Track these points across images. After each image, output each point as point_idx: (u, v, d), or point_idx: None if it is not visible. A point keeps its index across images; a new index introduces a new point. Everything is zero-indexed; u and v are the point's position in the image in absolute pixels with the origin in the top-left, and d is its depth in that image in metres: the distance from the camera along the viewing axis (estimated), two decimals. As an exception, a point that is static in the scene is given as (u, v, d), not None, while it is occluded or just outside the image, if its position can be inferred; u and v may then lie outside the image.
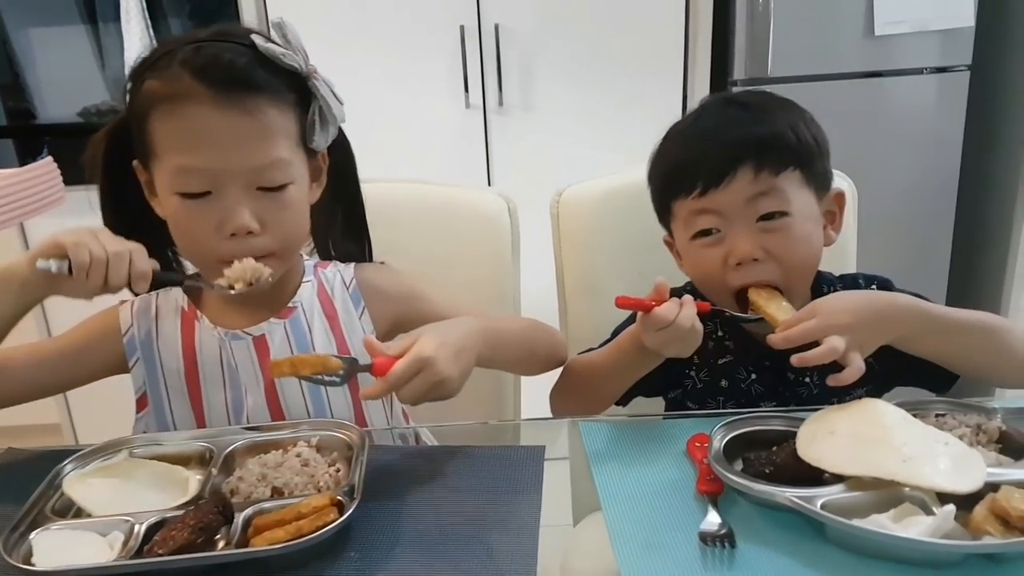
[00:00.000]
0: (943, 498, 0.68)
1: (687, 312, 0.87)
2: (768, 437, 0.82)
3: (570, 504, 1.02)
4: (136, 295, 0.97)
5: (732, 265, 0.94)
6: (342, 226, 1.04)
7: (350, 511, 0.68)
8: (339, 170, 1.00)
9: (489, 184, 2.28)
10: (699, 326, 0.89)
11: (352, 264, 1.04)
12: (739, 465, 0.80)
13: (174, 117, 0.83)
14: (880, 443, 0.72)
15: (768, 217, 0.94)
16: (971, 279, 2.37)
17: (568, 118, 2.23)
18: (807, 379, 1.01)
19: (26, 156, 2.26)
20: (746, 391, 1.03)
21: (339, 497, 0.71)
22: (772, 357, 1.00)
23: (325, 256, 1.05)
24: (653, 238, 1.11)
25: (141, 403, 0.97)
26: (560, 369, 1.07)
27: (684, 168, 0.97)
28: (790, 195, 0.93)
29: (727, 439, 0.82)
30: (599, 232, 1.32)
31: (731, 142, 0.93)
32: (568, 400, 1.05)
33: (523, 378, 1.32)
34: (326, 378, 0.78)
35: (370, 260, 1.08)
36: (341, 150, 1.01)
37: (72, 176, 1.49)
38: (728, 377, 1.03)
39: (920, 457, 0.71)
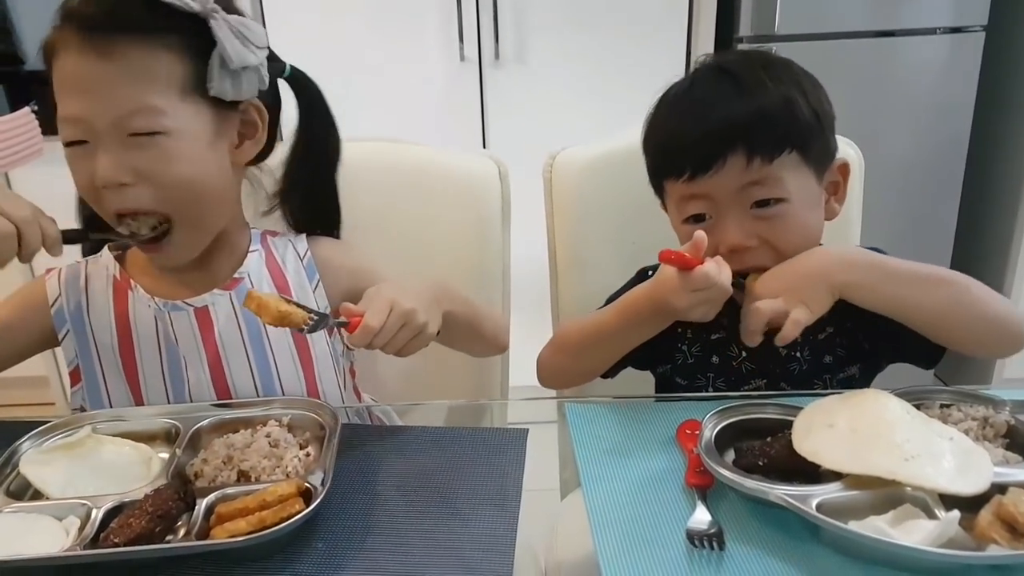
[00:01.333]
0: (947, 499, 0.64)
1: (726, 273, 0.82)
2: (763, 426, 0.78)
3: (557, 476, 0.99)
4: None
5: (724, 252, 0.89)
6: (303, 194, 0.99)
7: (316, 503, 0.64)
8: (307, 133, 0.96)
9: (484, 142, 2.21)
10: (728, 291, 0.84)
11: (303, 235, 0.99)
12: (731, 455, 0.76)
13: (56, 66, 0.81)
14: (881, 439, 0.68)
15: (763, 204, 0.89)
16: (976, 249, 2.33)
17: (567, 72, 2.16)
18: (797, 354, 0.97)
19: (16, 103, 2.19)
20: (736, 368, 0.99)
21: (307, 484, 0.67)
22: (766, 333, 0.97)
23: (296, 227, 1.00)
24: (649, 207, 1.05)
25: (75, 377, 0.92)
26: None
27: (673, 148, 0.92)
28: (787, 181, 0.88)
29: (719, 427, 0.78)
30: (593, 199, 1.26)
31: (720, 123, 0.87)
32: (557, 367, 1.01)
33: (511, 353, 1.28)
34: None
35: (335, 235, 1.03)
36: (310, 113, 0.95)
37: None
38: (719, 354, 1.00)
39: (923, 455, 0.67)
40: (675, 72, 0.99)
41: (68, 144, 0.81)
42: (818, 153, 0.91)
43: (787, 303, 0.84)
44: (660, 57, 2.14)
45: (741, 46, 2.05)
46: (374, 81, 2.12)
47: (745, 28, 2.05)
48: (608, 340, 0.94)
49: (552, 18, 2.11)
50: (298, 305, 0.75)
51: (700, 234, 0.81)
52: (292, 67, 0.95)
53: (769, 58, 0.93)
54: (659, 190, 0.99)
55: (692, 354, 1.01)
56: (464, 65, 2.13)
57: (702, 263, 0.81)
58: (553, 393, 1.15)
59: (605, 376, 1.01)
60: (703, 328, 0.99)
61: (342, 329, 0.79)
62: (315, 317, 0.75)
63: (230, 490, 0.68)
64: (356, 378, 1.04)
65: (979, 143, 2.15)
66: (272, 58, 0.91)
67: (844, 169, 0.96)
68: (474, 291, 1.23)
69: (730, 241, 0.88)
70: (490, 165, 1.25)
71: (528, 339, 1.43)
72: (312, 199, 1.00)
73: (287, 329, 0.88)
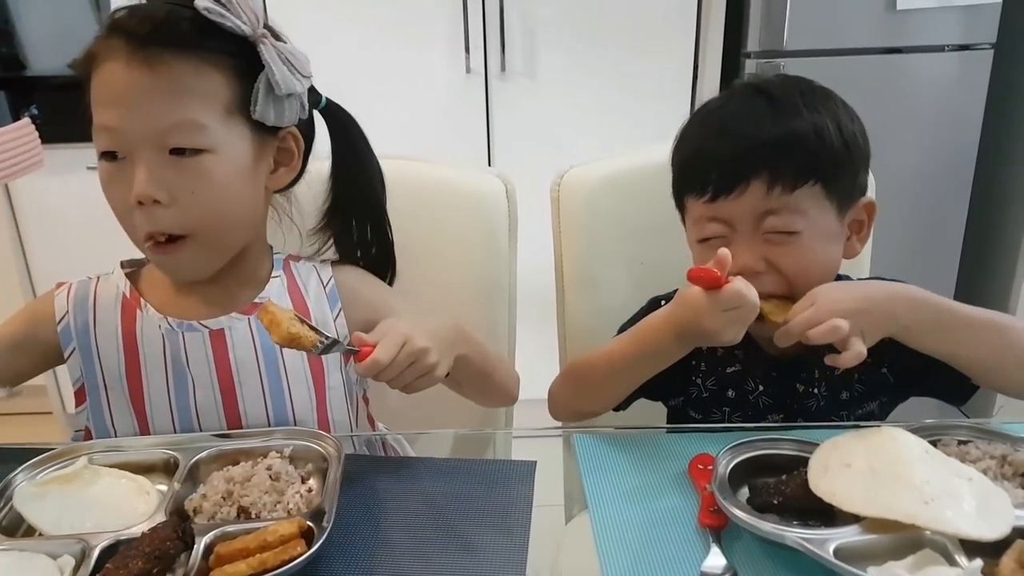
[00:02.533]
0: (967, 543, 0.63)
1: (754, 291, 0.80)
2: (777, 462, 0.76)
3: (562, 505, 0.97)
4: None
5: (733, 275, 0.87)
6: (351, 233, 0.98)
7: (318, 544, 0.62)
8: (344, 167, 0.95)
9: (489, 155, 2.19)
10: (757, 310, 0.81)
11: (329, 263, 0.97)
12: (745, 492, 0.74)
13: (96, 76, 0.79)
14: (899, 480, 0.66)
15: (778, 233, 0.87)
16: (983, 265, 2.31)
17: (574, 86, 2.14)
18: (815, 390, 0.95)
19: (18, 108, 2.18)
20: (753, 403, 0.97)
21: (309, 523, 0.65)
22: (781, 368, 0.95)
23: (347, 258, 0.99)
24: (658, 226, 1.04)
25: (79, 396, 0.90)
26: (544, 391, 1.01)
27: (698, 163, 0.90)
28: (804, 213, 0.86)
29: (733, 463, 0.76)
30: (601, 218, 1.24)
31: (747, 141, 0.86)
32: (569, 400, 0.99)
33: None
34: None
35: (390, 279, 1.03)
36: (345, 146, 0.95)
37: (60, 133, 1.42)
38: (735, 387, 0.98)
39: (943, 498, 0.65)
40: (682, 86, 0.98)
41: (102, 156, 0.80)
42: (844, 188, 0.89)
43: (851, 328, 0.80)
44: (668, 72, 2.13)
45: (749, 62, 2.04)
46: (379, 92, 2.09)
47: (753, 43, 2.03)
48: (624, 371, 0.91)
49: (560, 32, 2.09)
50: (311, 327, 0.74)
51: (724, 251, 0.79)
52: (328, 99, 0.95)
53: (810, 85, 0.92)
54: (680, 205, 0.97)
55: (707, 387, 0.99)
56: (470, 77, 2.11)
57: (728, 281, 0.79)
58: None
59: (617, 409, 0.98)
60: (718, 361, 0.98)
61: (352, 357, 0.78)
62: (325, 341, 0.73)
63: (230, 528, 0.66)
64: (370, 406, 1.02)
65: (987, 160, 2.13)
66: (311, 89, 0.91)
67: (870, 208, 0.94)
68: (480, 308, 1.22)
69: (739, 263, 0.86)
70: (496, 183, 1.23)
71: (533, 355, 1.42)
72: (363, 239, 0.99)
73: (303, 355, 0.87)
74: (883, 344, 0.85)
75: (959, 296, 2.18)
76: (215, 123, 0.80)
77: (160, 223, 0.80)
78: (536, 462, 0.79)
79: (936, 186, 2.14)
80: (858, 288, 0.86)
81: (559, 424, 1.03)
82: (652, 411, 1.06)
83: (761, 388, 0.96)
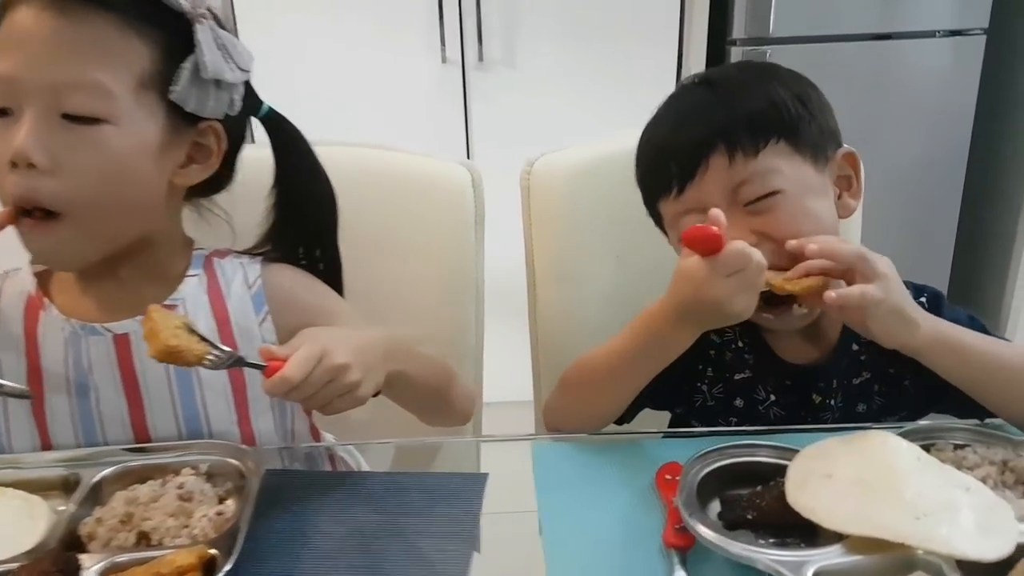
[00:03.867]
0: (964, 564, 0.55)
1: (758, 252, 0.71)
2: (755, 471, 0.69)
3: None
4: None
5: None
6: (305, 256, 0.90)
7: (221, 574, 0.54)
8: (284, 187, 0.87)
9: (468, 146, 2.12)
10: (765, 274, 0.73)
11: (259, 259, 0.88)
12: (717, 506, 0.66)
13: (5, 20, 0.71)
14: (888, 493, 0.59)
15: (757, 201, 0.81)
16: (977, 256, 2.26)
17: (556, 76, 2.06)
18: (832, 402, 0.88)
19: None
20: (763, 414, 0.90)
21: (212, 552, 0.57)
22: (796, 376, 0.88)
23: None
24: (637, 217, 0.96)
25: None
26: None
27: (657, 167, 0.86)
28: (777, 172, 0.80)
29: (704, 473, 0.68)
30: (575, 209, 1.17)
31: (697, 130, 0.82)
32: (567, 410, 0.88)
33: (485, 368, 1.19)
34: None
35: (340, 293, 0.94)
36: (287, 160, 0.87)
37: None
38: (744, 396, 0.90)
39: (937, 513, 0.57)
40: (667, 73, 0.92)
41: None
42: (813, 139, 0.83)
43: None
44: (652, 60, 2.05)
45: (735, 50, 1.97)
46: (352, 83, 2.02)
47: (739, 31, 1.97)
48: (626, 370, 0.81)
49: (541, 20, 2.02)
50: (203, 339, 0.65)
51: (716, 211, 0.72)
52: (272, 109, 0.87)
53: (748, 62, 0.89)
54: (657, 217, 0.91)
55: (713, 395, 0.91)
56: (447, 67, 2.04)
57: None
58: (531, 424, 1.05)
59: (620, 421, 0.89)
60: (726, 366, 0.91)
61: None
62: (216, 357, 0.65)
63: (120, 558, 0.58)
64: (313, 417, 0.94)
65: (980, 148, 2.08)
66: (251, 92, 0.83)
67: (853, 160, 0.88)
68: (446, 305, 1.15)
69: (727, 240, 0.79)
70: (463, 173, 1.15)
71: (505, 352, 1.34)
72: (310, 260, 0.90)
73: None
74: (905, 357, 0.78)
75: (953, 287, 2.14)
76: (124, 93, 0.72)
77: (33, 191, 0.70)
78: (487, 475, 0.72)
79: (929, 175, 2.08)
80: (895, 280, 0.76)
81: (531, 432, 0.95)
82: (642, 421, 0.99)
83: (773, 398, 0.89)
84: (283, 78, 2.02)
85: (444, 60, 2.02)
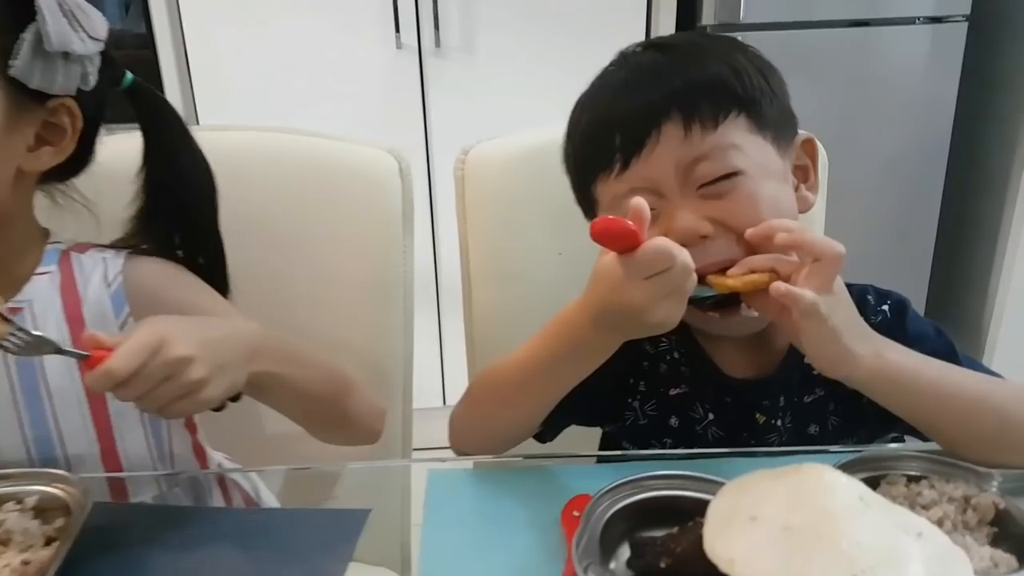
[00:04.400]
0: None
1: (685, 252, 0.60)
2: (676, 507, 0.59)
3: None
4: None
5: None
6: (181, 247, 0.80)
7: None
8: (153, 168, 0.78)
9: (426, 139, 2.02)
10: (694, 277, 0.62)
11: (124, 253, 0.77)
12: (627, 551, 0.56)
13: None
14: (820, 542, 0.49)
15: (715, 183, 0.70)
16: (958, 254, 2.18)
17: (518, 63, 1.97)
18: (779, 422, 0.78)
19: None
20: (700, 435, 0.80)
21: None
22: (738, 392, 0.78)
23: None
24: (578, 211, 0.87)
25: None
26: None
27: (597, 139, 0.74)
28: (738, 150, 0.70)
29: (614, 511, 0.58)
30: (514, 201, 1.08)
31: (648, 94, 0.70)
32: (472, 425, 0.78)
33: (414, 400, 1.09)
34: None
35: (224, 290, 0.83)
36: (159, 139, 0.77)
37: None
38: (679, 414, 0.80)
39: (879, 567, 0.48)
40: None
41: None
42: (774, 119, 0.74)
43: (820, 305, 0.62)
44: (618, 47, 1.94)
45: (704, 35, 1.88)
46: (304, 69, 1.92)
47: (708, 16, 1.88)
48: (539, 377, 0.71)
49: (501, 4, 1.92)
50: (6, 319, 0.55)
51: (638, 200, 0.60)
52: (137, 79, 0.76)
53: (704, 32, 0.77)
54: (588, 205, 0.80)
55: (645, 413, 0.81)
56: (402, 54, 1.94)
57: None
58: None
59: (541, 438, 0.79)
60: (660, 379, 0.81)
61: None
62: (18, 339, 0.54)
63: None
64: (198, 433, 0.83)
65: (962, 140, 2.00)
66: (110, 62, 0.73)
67: (811, 148, 0.79)
68: (369, 306, 1.06)
69: (679, 227, 0.69)
70: (388, 161, 1.06)
71: (454, 357, 1.24)
72: (188, 251, 0.80)
73: (73, 372, 0.69)
74: None
75: (934, 285, 2.05)
76: None
77: None
78: (370, 511, 0.61)
79: (908, 168, 2.00)
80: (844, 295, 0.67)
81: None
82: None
83: (712, 416, 0.79)
84: (231, 67, 1.94)
85: (399, 46, 1.92)
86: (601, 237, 0.59)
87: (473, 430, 0.77)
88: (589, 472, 0.68)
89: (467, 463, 0.74)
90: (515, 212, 1.07)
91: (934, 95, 1.94)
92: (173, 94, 1.94)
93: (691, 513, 0.57)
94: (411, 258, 1.08)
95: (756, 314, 0.71)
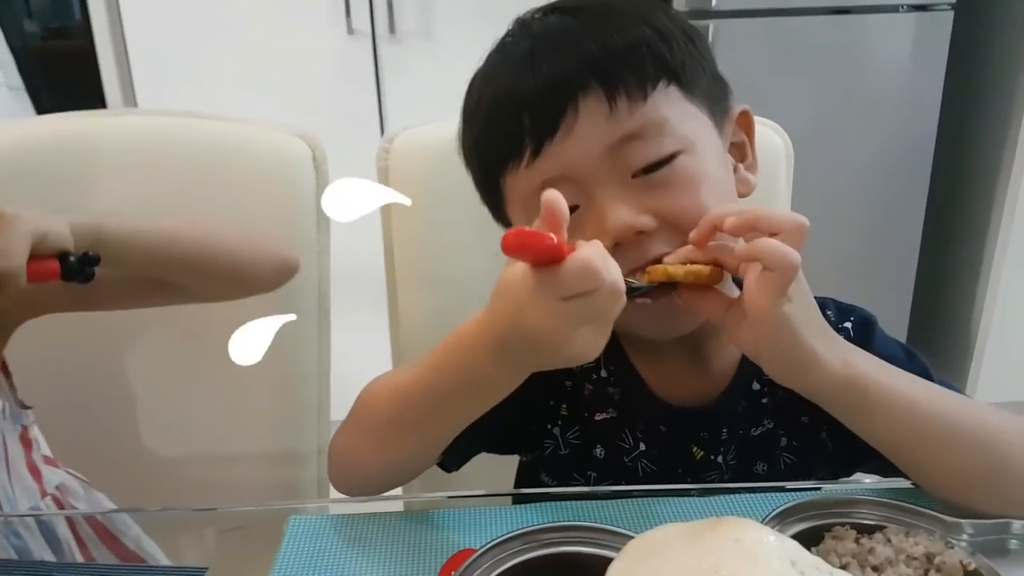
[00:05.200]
0: None
1: (614, 266, 0.48)
2: (578, 567, 0.48)
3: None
4: None
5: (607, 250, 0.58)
6: None
7: None
8: None
9: (382, 128, 1.91)
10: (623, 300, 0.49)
11: None
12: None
13: None
14: (738, 627, 0.38)
15: (651, 168, 0.59)
16: (945, 250, 2.08)
17: (476, 49, 1.82)
18: (720, 458, 0.67)
19: None
20: (630, 467, 0.68)
21: None
22: (673, 420, 0.67)
23: None
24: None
25: None
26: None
27: (499, 121, 0.62)
28: (672, 125, 0.60)
29: (500, 571, 0.47)
30: (445, 195, 0.96)
31: (559, 63, 0.59)
32: (355, 458, 0.64)
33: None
34: None
35: None
36: None
37: None
38: (606, 443, 0.69)
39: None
40: None
41: None
42: (707, 89, 0.63)
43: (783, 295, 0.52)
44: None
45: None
46: (250, 56, 1.83)
47: (679, 3, 1.78)
48: (426, 415, 0.58)
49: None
50: None
51: (551, 196, 0.47)
52: None
53: None
54: (497, 204, 0.68)
55: (567, 442, 0.70)
56: (354, 39, 1.83)
57: (568, 250, 0.46)
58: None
59: (445, 467, 0.67)
60: (584, 403, 0.69)
61: None
62: None
63: None
64: (34, 450, 0.72)
65: (948, 134, 1.91)
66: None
67: (746, 121, 0.68)
68: (277, 308, 0.94)
69: (614, 224, 0.57)
70: (300, 148, 0.95)
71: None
72: None
73: None
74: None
75: (920, 286, 1.95)
76: None
77: None
78: (206, 569, 0.50)
79: (892, 163, 1.91)
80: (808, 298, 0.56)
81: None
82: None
83: (642, 447, 0.68)
84: (172, 52, 1.83)
85: (351, 31, 1.81)
86: (515, 253, 0.46)
87: (355, 464, 0.64)
88: (484, 518, 0.56)
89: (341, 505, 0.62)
90: (444, 208, 0.96)
91: (919, 86, 1.85)
92: (111, 82, 1.83)
93: (594, 573, 0.46)
94: (327, 259, 0.98)
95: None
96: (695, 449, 0.67)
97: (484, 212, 0.93)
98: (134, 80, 1.82)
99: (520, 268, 0.47)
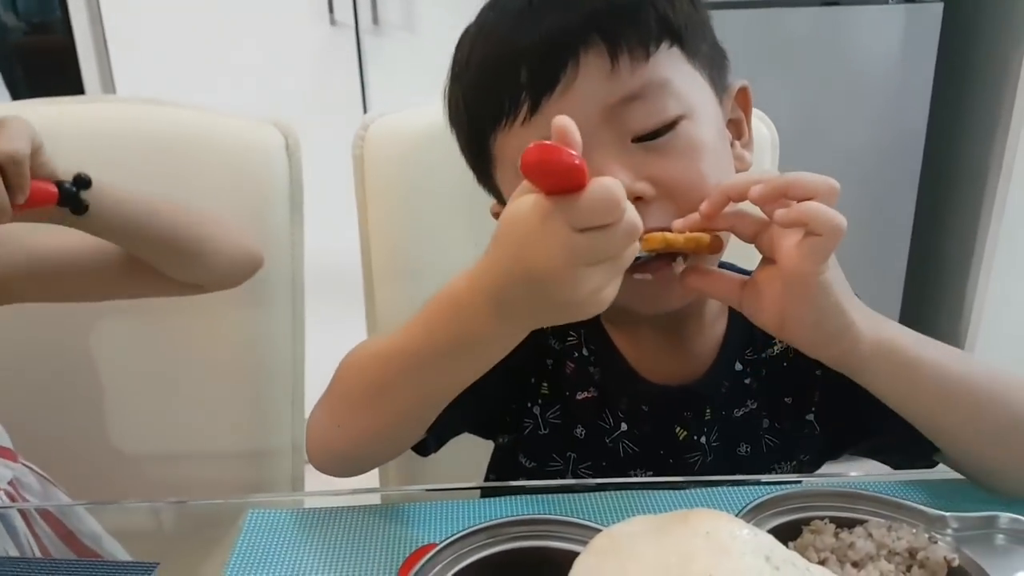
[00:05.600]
0: None
1: (632, 208, 0.44)
2: (546, 561, 0.46)
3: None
4: None
5: None
6: None
7: None
8: None
9: (366, 121, 1.89)
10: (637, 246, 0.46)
11: None
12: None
13: None
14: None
15: (653, 135, 0.56)
16: (936, 243, 2.07)
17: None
18: (703, 439, 0.66)
19: None
20: (611, 448, 0.67)
21: None
22: (656, 400, 0.65)
23: None
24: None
25: None
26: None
27: (495, 76, 0.58)
28: (675, 88, 0.57)
29: (462, 566, 0.45)
30: (422, 185, 0.94)
31: (561, 17, 0.56)
32: (335, 432, 0.59)
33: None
34: None
35: None
36: None
37: None
38: (587, 423, 0.67)
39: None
40: None
41: None
42: (709, 56, 0.61)
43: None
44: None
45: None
46: (233, 48, 1.79)
47: (665, -10, 1.74)
48: (413, 380, 0.53)
49: (443, -21, 1.80)
50: None
51: (562, 120, 0.42)
52: None
53: None
54: (483, 166, 0.64)
55: (548, 421, 0.68)
56: (337, 31, 1.80)
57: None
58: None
59: (421, 450, 0.63)
60: (566, 381, 0.67)
61: None
62: None
63: None
64: None
65: (939, 128, 1.89)
66: None
67: (744, 98, 0.65)
68: (244, 307, 0.92)
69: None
70: (274, 136, 0.93)
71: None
72: None
73: None
74: (810, 382, 0.59)
75: (911, 281, 1.93)
76: None
77: None
78: (157, 564, 0.48)
79: (882, 156, 1.88)
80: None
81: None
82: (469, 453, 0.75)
83: (624, 427, 0.66)
84: (152, 44, 1.80)
85: (333, 23, 1.79)
86: (534, 171, 0.41)
87: (336, 438, 0.59)
88: (451, 511, 0.54)
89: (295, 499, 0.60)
90: (423, 198, 0.94)
91: (909, 80, 1.83)
92: (91, 77, 1.80)
93: (561, 569, 0.43)
94: (300, 251, 0.95)
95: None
96: (678, 429, 0.65)
97: (464, 201, 0.91)
98: (114, 74, 1.79)
99: (528, 201, 0.43)
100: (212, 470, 0.95)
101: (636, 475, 0.67)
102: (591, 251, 0.42)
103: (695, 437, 0.65)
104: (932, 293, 2.10)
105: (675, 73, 0.57)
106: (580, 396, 0.67)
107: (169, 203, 0.75)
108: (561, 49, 0.55)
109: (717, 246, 0.53)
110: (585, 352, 0.67)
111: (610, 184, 0.42)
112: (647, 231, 0.52)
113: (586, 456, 0.67)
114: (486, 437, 0.73)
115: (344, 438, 0.59)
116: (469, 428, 0.68)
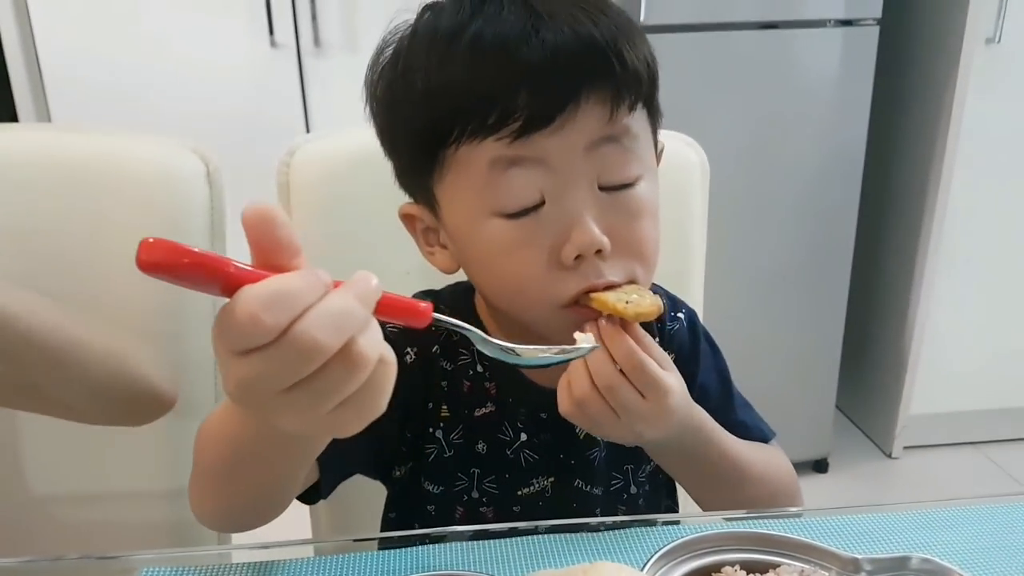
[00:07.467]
0: None
1: (343, 304, 0.35)
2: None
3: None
4: None
5: (568, 261, 0.56)
6: None
7: None
8: None
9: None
10: (390, 357, 0.38)
11: None
12: None
13: None
14: None
15: (618, 188, 0.58)
16: (878, 262, 2.11)
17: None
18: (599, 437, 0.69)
19: None
20: (512, 459, 0.68)
21: None
22: (553, 405, 0.63)
23: None
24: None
25: None
26: None
27: (486, 81, 0.55)
28: (642, 143, 0.60)
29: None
30: (352, 212, 0.92)
31: (574, 43, 0.54)
32: (205, 501, 0.56)
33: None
34: None
35: None
36: None
37: None
38: (488, 439, 0.68)
39: None
40: None
41: None
42: (657, 120, 0.64)
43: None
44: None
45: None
46: (171, 71, 1.76)
47: (610, 17, 1.75)
48: (249, 460, 0.48)
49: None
50: None
51: (262, 211, 0.37)
52: None
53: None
54: (426, 167, 0.60)
55: (451, 443, 0.68)
56: (277, 52, 1.79)
57: (257, 274, 0.35)
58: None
59: (307, 499, 0.61)
60: (464, 400, 0.67)
61: None
62: None
63: None
64: None
65: (877, 143, 1.92)
66: None
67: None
68: (163, 343, 0.87)
69: (583, 239, 0.55)
70: (192, 163, 0.89)
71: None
72: None
73: None
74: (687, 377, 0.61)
75: (854, 299, 1.95)
76: None
77: None
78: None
79: (823, 175, 1.91)
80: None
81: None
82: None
83: (524, 437, 0.68)
84: (88, 66, 1.75)
85: (273, 44, 1.77)
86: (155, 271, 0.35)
87: (206, 509, 0.57)
88: (346, 566, 0.51)
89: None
90: (353, 225, 0.92)
91: (848, 100, 1.86)
92: (24, 102, 1.75)
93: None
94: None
95: None
96: (578, 430, 0.67)
97: (390, 227, 0.88)
98: (48, 98, 1.74)
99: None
100: (136, 512, 0.91)
101: (539, 482, 0.68)
102: (260, 379, 0.35)
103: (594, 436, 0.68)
104: (875, 307, 2.13)
105: (642, 131, 0.60)
106: (479, 413, 0.68)
107: (55, 311, 0.64)
108: (567, 81, 0.54)
109: (657, 313, 0.56)
110: (480, 368, 0.68)
111: (282, 283, 0.34)
112: (606, 287, 0.56)
113: (489, 470, 0.68)
114: (376, 477, 0.71)
115: (212, 508, 0.57)
116: (361, 470, 0.67)
